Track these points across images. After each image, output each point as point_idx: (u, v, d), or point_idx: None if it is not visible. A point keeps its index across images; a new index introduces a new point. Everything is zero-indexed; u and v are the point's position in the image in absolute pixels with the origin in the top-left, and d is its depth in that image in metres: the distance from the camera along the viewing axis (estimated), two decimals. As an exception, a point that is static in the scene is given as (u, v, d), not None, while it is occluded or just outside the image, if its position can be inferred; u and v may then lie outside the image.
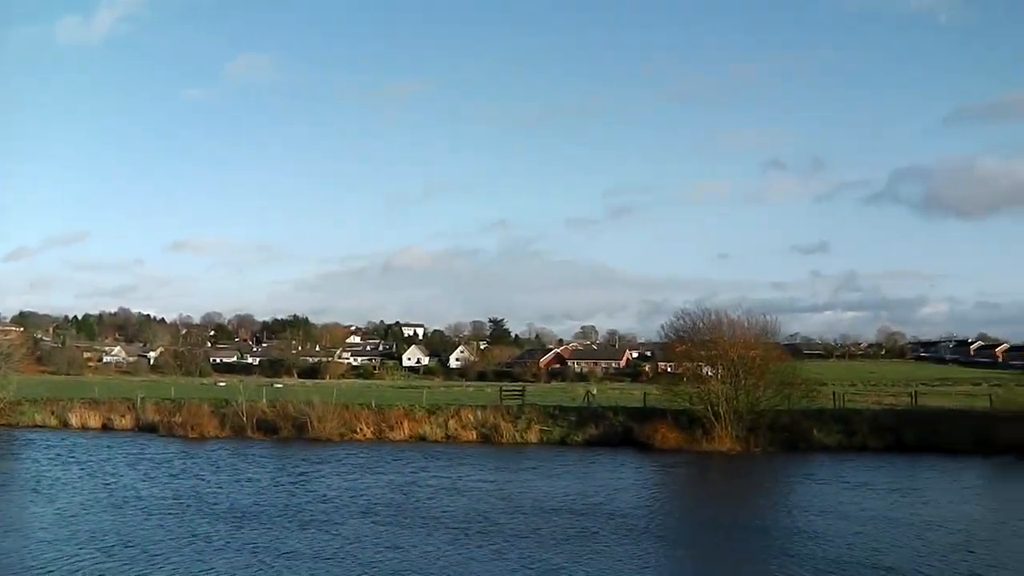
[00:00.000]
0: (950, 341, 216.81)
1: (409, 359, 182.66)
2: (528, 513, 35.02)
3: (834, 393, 64.97)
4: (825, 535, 30.41)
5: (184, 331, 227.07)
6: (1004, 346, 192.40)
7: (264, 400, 67.20)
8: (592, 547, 29.01)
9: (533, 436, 58.72)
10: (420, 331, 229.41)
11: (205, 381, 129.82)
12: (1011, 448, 50.28)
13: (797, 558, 27.15)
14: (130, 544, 29.32)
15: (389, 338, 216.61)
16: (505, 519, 33.84)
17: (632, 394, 78.87)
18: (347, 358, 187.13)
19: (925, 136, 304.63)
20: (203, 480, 43.61)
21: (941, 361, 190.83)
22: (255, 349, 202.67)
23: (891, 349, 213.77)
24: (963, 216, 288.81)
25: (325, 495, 39.32)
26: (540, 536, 30.73)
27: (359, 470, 47.07)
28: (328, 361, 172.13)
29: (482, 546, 29.26)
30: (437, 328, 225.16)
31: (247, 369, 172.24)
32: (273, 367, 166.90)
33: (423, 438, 59.92)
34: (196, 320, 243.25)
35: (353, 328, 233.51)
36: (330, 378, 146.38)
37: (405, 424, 61.34)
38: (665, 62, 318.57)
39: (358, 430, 61.15)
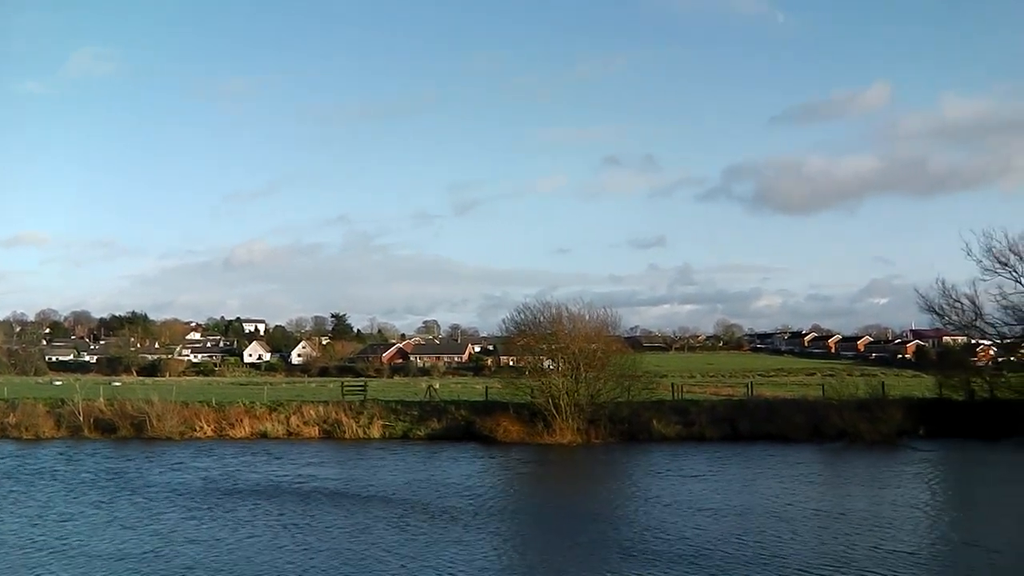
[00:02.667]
0: (785, 333, 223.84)
1: (250, 355, 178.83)
2: (350, 507, 34.88)
3: (673, 385, 66.06)
4: (636, 522, 30.99)
5: (18, 328, 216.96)
6: (836, 337, 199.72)
7: (102, 399, 65.31)
8: (407, 538, 28.98)
9: (376, 431, 58.36)
10: (261, 327, 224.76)
11: (40, 380, 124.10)
12: (842, 435, 51.83)
13: (603, 544, 27.65)
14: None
15: (230, 334, 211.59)
16: (323, 512, 33.74)
17: (474, 388, 79.05)
18: (187, 355, 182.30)
19: (755, 135, 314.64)
20: (11, 479, 42.63)
21: (777, 352, 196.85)
22: (93, 347, 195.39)
23: (729, 341, 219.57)
24: (791, 212, 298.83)
25: (139, 492, 38.77)
26: (359, 529, 30.56)
27: (186, 467, 46.35)
28: (168, 358, 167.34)
29: (295, 538, 29.10)
30: (279, 324, 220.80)
31: (84, 367, 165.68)
32: (111, 365, 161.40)
33: (264, 435, 59.22)
34: (31, 317, 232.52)
35: (193, 324, 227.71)
36: (170, 375, 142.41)
37: (246, 421, 60.72)
38: (502, 60, 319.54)
39: (198, 428, 60.33)
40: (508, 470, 46.35)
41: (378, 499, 36.32)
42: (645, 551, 26.46)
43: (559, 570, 25.38)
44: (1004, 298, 57.34)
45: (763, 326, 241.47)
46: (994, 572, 23.99)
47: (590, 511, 33.92)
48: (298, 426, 59.84)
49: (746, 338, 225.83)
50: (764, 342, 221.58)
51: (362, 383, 77.74)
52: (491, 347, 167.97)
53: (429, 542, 28.14)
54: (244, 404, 63.80)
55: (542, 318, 60.37)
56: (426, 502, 35.37)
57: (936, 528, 29.84)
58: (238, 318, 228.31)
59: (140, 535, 29.82)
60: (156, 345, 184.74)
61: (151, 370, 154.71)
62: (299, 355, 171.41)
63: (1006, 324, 58.55)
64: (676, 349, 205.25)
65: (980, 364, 65.92)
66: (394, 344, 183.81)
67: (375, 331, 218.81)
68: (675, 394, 63.18)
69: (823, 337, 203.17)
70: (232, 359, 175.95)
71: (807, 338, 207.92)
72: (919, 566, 24.26)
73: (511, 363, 67.82)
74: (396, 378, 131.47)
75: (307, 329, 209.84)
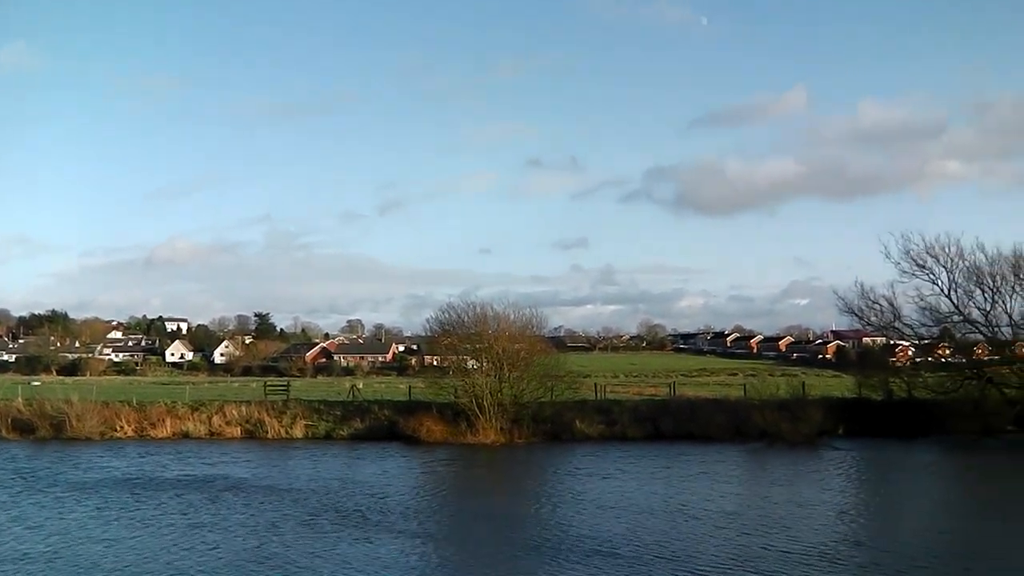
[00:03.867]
0: (708, 333, 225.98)
1: (172, 355, 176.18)
2: (260, 506, 34.81)
3: (596, 385, 66.11)
4: (545, 521, 31.45)
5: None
6: (758, 337, 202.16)
7: (20, 399, 64.10)
8: (315, 536, 29.10)
9: (299, 431, 58.07)
10: (184, 326, 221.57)
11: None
12: (764, 435, 52.40)
13: (510, 542, 28.16)
14: None
15: (152, 333, 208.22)
16: (232, 511, 33.65)
17: (398, 388, 78.65)
18: (108, 354, 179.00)
19: (677, 137, 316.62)
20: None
21: (700, 352, 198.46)
22: (11, 346, 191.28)
23: (652, 341, 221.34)
24: (712, 214, 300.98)
25: (46, 492, 38.31)
26: (266, 527, 30.55)
27: (100, 467, 45.91)
28: (88, 357, 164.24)
29: (200, 536, 29.08)
30: (201, 323, 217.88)
31: (3, 367, 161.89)
32: (30, 364, 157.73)
33: (186, 435, 58.80)
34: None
35: (114, 323, 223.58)
36: (91, 375, 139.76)
37: (167, 421, 60.07)
38: (424, 58, 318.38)
39: (119, 428, 59.51)
40: (427, 470, 46.13)
41: (291, 498, 36.18)
42: (550, 549, 26.76)
43: (462, 567, 25.65)
44: (922, 300, 58.52)
45: (686, 326, 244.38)
46: (877, 571, 24.27)
47: (503, 511, 34.23)
48: (220, 426, 59.41)
49: (669, 338, 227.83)
50: (687, 342, 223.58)
51: (285, 383, 77.05)
52: (415, 347, 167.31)
53: (337, 540, 28.24)
54: (166, 404, 62.95)
55: (466, 318, 60.24)
56: (339, 501, 35.37)
57: (833, 528, 30.07)
58: (160, 317, 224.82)
59: (43, 535, 29.48)
60: (76, 344, 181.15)
61: (71, 369, 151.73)
62: (222, 354, 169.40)
63: (923, 325, 59.71)
64: (600, 349, 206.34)
65: (899, 364, 66.99)
66: (318, 343, 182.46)
67: (299, 330, 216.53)
68: (598, 394, 63.38)
69: (745, 337, 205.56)
70: (154, 358, 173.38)
71: (729, 338, 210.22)
72: (806, 565, 24.54)
73: (435, 363, 67.74)
74: (319, 378, 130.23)
75: (230, 328, 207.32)
